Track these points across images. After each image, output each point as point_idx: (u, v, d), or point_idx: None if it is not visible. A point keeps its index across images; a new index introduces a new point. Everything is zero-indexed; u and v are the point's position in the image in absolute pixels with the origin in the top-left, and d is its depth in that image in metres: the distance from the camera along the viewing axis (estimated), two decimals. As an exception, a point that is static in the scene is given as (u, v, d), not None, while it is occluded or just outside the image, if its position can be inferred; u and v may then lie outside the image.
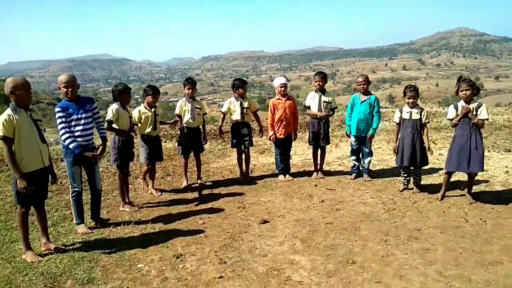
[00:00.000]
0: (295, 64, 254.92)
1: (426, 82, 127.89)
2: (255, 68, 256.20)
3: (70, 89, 4.64)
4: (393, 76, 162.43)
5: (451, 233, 4.56)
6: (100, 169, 6.65)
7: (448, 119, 5.61)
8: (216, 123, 15.51)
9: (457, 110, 5.35)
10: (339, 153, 8.72)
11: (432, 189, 6.03)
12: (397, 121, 5.97)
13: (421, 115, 5.74)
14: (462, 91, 5.24)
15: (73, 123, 4.65)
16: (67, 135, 4.58)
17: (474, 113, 5.21)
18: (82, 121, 4.71)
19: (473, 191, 5.66)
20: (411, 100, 5.75)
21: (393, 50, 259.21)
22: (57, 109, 4.63)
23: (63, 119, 4.58)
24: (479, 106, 5.22)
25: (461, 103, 5.30)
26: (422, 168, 6.01)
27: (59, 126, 4.61)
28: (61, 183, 6.75)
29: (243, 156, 6.98)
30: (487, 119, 5.30)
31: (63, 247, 4.40)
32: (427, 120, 5.86)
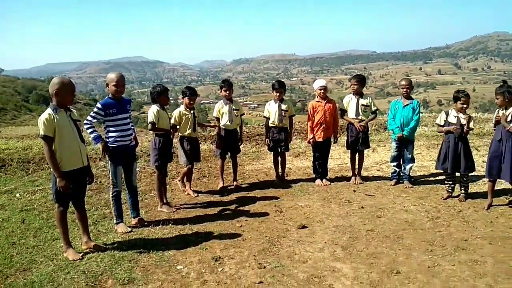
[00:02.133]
0: (327, 67, 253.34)
1: (462, 87, 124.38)
2: (286, 71, 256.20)
3: (119, 89, 4.71)
4: (428, 81, 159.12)
5: (500, 244, 4.34)
6: (137, 169, 6.73)
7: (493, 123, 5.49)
8: (248, 125, 15.55)
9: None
10: (376, 158, 8.51)
11: (477, 197, 5.79)
12: (442, 124, 5.77)
13: (468, 120, 5.54)
14: (496, 96, 5.20)
15: (117, 122, 4.71)
16: (89, 125, 4.64)
17: (509, 119, 5.04)
18: (125, 121, 4.78)
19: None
20: (465, 106, 5.55)
21: (428, 54, 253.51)
22: (99, 105, 4.67)
23: (97, 116, 4.64)
24: None
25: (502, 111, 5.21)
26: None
27: (88, 117, 4.65)
28: (100, 182, 6.87)
29: (279, 159, 6.90)
30: None
31: (103, 246, 4.43)
32: (471, 127, 5.67)
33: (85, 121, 4.65)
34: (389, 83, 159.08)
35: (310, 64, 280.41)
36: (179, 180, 6.60)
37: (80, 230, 4.48)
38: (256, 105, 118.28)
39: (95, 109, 4.66)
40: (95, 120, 4.68)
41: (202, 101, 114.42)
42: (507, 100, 5.07)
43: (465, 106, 5.56)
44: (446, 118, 5.72)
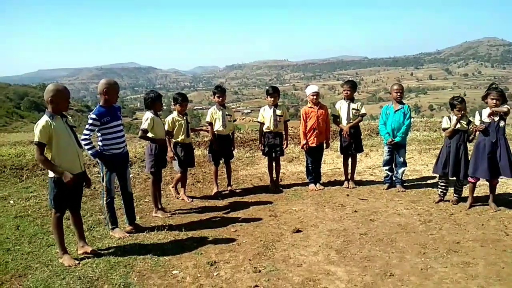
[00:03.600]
0: (319, 73, 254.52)
1: (453, 92, 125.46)
2: (279, 76, 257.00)
3: (114, 97, 4.75)
4: (419, 86, 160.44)
5: (491, 246, 4.41)
6: (131, 175, 6.75)
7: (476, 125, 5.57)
8: (241, 131, 15.60)
9: (481, 117, 5.46)
10: (369, 162, 8.59)
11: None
12: (447, 126, 5.79)
13: (468, 126, 5.64)
14: (492, 99, 5.30)
15: (112, 129, 4.71)
16: (87, 141, 4.58)
17: (497, 118, 5.33)
18: (119, 128, 4.80)
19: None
20: (462, 112, 5.63)
21: (419, 60, 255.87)
22: (93, 115, 4.64)
23: (94, 128, 4.61)
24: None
25: (487, 111, 5.36)
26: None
27: (85, 131, 4.60)
28: (94, 188, 6.86)
29: (273, 164, 6.94)
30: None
31: (100, 251, 4.44)
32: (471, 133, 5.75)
33: (83, 136, 4.60)
34: (381, 88, 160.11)
35: (302, 70, 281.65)
36: (172, 187, 6.61)
37: (76, 235, 4.49)
38: (249, 111, 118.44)
39: (90, 121, 4.62)
40: (92, 133, 4.64)
41: (195, 107, 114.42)
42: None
43: (462, 112, 5.64)
44: (450, 122, 5.77)
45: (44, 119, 4.00)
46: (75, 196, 4.28)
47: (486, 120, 5.36)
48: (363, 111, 6.77)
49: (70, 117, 4.33)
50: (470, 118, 5.77)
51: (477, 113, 5.58)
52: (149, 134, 5.49)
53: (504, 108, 5.23)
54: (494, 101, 5.26)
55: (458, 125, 5.65)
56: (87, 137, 4.60)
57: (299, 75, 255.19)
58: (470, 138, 5.71)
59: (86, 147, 4.60)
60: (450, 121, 5.76)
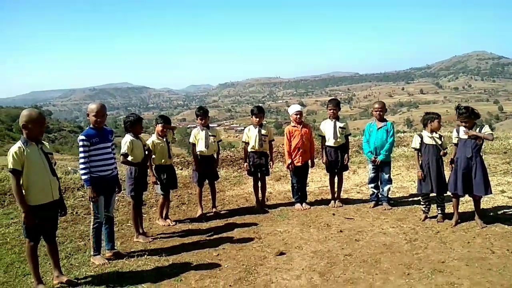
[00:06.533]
0: (311, 89, 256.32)
1: (444, 105, 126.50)
2: (272, 94, 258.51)
3: (99, 119, 4.69)
4: (411, 100, 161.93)
5: (477, 265, 4.32)
6: (116, 198, 6.62)
7: (454, 144, 5.65)
8: (232, 149, 15.54)
9: (458, 134, 5.50)
10: (357, 180, 8.53)
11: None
12: (418, 147, 5.79)
13: (441, 140, 5.64)
14: (462, 122, 5.38)
15: (99, 151, 4.67)
16: (84, 165, 4.58)
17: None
18: (107, 150, 4.75)
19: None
20: (436, 127, 5.67)
21: (410, 74, 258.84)
22: (81, 137, 4.62)
23: (85, 148, 4.58)
24: (481, 128, 5.38)
25: (463, 129, 5.41)
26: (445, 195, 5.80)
27: (80, 155, 4.61)
28: (76, 212, 6.73)
29: (259, 183, 6.86)
30: (492, 134, 5.43)
31: (75, 280, 4.31)
32: (446, 146, 5.76)
33: (81, 160, 4.59)
34: (373, 103, 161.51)
35: (294, 86, 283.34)
36: (158, 219, 6.34)
37: (51, 264, 4.36)
38: (243, 128, 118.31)
39: (80, 143, 4.59)
40: (87, 154, 4.59)
41: (189, 125, 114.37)
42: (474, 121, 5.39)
43: (436, 127, 5.68)
44: (421, 140, 5.76)
45: (17, 145, 3.93)
46: (49, 225, 4.16)
47: (463, 136, 5.36)
48: (349, 130, 6.79)
49: (47, 143, 4.25)
50: (443, 133, 5.79)
51: (454, 131, 5.62)
52: (129, 158, 5.40)
53: (480, 134, 5.27)
54: (463, 124, 5.36)
55: (432, 141, 5.65)
56: (84, 160, 4.57)
57: (292, 91, 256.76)
58: (443, 152, 5.70)
59: (82, 171, 4.59)
60: (422, 139, 5.74)
